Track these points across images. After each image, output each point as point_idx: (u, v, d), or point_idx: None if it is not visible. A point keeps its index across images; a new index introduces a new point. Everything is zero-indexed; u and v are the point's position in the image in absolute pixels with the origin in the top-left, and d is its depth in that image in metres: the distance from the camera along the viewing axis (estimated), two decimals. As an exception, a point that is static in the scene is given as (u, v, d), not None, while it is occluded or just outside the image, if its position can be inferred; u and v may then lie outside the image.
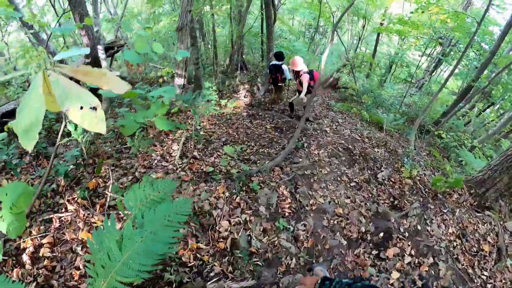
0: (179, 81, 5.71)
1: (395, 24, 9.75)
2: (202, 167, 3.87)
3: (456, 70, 13.39)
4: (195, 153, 4.15)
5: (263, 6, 7.06)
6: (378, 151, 5.76)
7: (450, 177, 4.77)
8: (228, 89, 8.02)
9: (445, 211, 4.17)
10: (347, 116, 8.21)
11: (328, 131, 6.16)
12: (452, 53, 11.41)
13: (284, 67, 6.17)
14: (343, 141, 5.73)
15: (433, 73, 13.92)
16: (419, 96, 11.99)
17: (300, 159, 4.85)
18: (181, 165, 3.72)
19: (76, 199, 2.78)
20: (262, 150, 4.92)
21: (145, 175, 3.38)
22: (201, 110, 5.10)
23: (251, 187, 3.63)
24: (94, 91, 1.37)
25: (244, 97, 7.89)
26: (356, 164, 5.10)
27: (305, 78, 5.61)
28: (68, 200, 2.76)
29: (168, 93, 2.49)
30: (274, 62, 6.23)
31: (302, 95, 5.70)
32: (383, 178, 4.78)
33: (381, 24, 12.43)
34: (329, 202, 3.86)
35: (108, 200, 2.80)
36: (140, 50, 2.43)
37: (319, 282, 1.22)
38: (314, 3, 11.32)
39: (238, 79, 8.54)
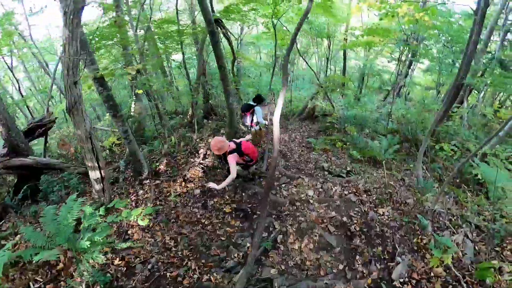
0: (94, 174, 4.12)
1: (363, 36, 8.56)
2: None
3: (424, 66, 13.00)
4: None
5: (215, 50, 5.69)
6: (383, 213, 4.09)
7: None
8: (184, 152, 6.43)
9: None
10: (333, 155, 6.66)
11: (312, 198, 4.49)
12: (421, 50, 10.35)
13: (258, 108, 5.57)
14: (334, 212, 4.05)
15: (407, 76, 12.88)
16: (402, 105, 10.58)
17: (273, 270, 3.16)
18: None
19: None
20: (209, 274, 3.22)
21: None
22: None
23: None
24: None
25: (205, 158, 6.30)
26: (357, 255, 3.41)
27: (230, 160, 3.96)
28: None
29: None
30: (251, 102, 5.76)
31: (228, 179, 3.87)
32: (401, 277, 3.09)
33: (345, 40, 11.54)
34: None
35: None
36: None
37: None
38: (272, 33, 10.17)
39: (195, 136, 7.00)
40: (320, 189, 4.78)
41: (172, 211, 4.46)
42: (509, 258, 3.21)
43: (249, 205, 4.52)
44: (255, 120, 5.75)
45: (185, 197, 4.78)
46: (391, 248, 3.46)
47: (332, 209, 4.15)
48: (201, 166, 5.83)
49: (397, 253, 3.35)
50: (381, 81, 14.47)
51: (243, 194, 4.76)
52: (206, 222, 4.19)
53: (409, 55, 11.15)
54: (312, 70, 11.46)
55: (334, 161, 6.26)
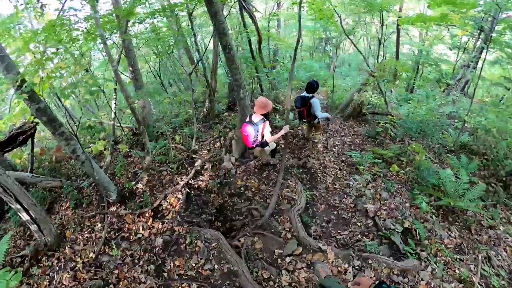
0: (23, 215, 2.97)
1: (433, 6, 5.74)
2: None
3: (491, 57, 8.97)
4: None
5: (216, 24, 3.85)
6: None
7: None
8: (174, 164, 4.98)
9: None
10: (384, 186, 4.44)
11: None
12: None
13: (314, 101, 4.59)
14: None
15: (475, 68, 9.08)
16: (474, 108, 7.17)
17: None
18: None
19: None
20: None
21: None
22: None
23: None
24: None
25: (197, 175, 4.81)
26: None
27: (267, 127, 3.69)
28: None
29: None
30: (304, 94, 4.72)
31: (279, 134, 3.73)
32: None
33: (399, 19, 8.41)
34: None
35: None
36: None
37: (375, 284, 1.23)
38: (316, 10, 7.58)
39: (193, 142, 5.46)
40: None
41: (115, 271, 3.20)
42: None
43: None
44: (311, 112, 4.64)
45: (142, 247, 3.46)
46: None
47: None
48: (187, 189, 4.41)
49: None
50: (438, 73, 10.95)
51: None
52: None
53: (479, 41, 7.78)
54: (361, 53, 8.71)
55: (386, 202, 4.18)
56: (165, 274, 3.13)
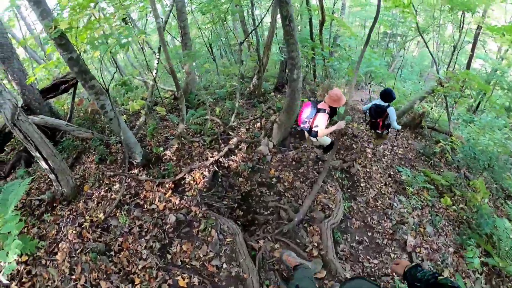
0: (42, 164, 2.78)
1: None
2: None
3: None
4: None
5: None
6: None
7: None
8: (209, 137, 4.60)
9: None
10: (430, 218, 3.66)
11: None
12: None
13: (392, 110, 3.96)
14: None
15: None
16: None
17: None
18: None
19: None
20: None
21: None
22: None
23: None
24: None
25: (230, 154, 4.40)
26: None
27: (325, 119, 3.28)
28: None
29: None
30: (378, 101, 4.10)
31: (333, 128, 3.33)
32: None
33: (479, 28, 6.70)
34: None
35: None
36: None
37: (411, 266, 1.28)
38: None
39: (233, 118, 4.96)
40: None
41: (120, 238, 2.93)
42: None
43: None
44: (386, 123, 4.15)
45: (153, 220, 3.15)
46: None
47: None
48: (215, 167, 4.00)
49: None
50: (510, 100, 8.77)
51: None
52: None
53: None
54: (433, 57, 7.27)
55: (428, 239, 3.37)
56: (169, 257, 2.79)
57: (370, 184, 4.25)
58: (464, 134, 5.82)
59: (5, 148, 4.35)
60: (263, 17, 6.42)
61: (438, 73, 7.29)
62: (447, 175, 4.62)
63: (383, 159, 4.92)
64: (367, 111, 4.29)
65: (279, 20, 4.07)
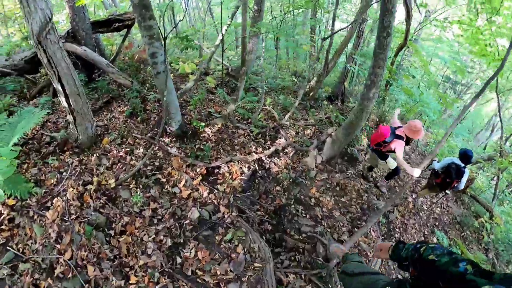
0: (62, 100, 2.20)
1: None
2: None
3: None
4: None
5: None
6: None
7: None
8: (256, 128, 3.92)
9: None
10: None
11: None
12: None
13: (467, 172, 3.62)
14: None
15: None
16: None
17: None
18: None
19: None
20: None
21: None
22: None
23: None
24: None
25: (276, 153, 3.72)
26: None
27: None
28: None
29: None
30: (456, 161, 3.68)
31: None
32: None
33: None
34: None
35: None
36: None
37: (393, 245, 1.22)
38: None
39: (286, 117, 4.27)
40: None
41: (126, 217, 2.32)
42: None
43: None
44: (456, 185, 3.79)
45: (171, 209, 2.51)
46: None
47: None
48: (256, 165, 3.33)
49: None
50: None
51: None
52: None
53: None
54: (501, 122, 6.07)
55: None
56: (179, 261, 2.16)
57: (403, 238, 3.65)
58: (505, 216, 5.17)
59: (40, 69, 3.87)
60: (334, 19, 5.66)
61: (505, 142, 6.29)
62: (479, 256, 4.13)
63: (421, 214, 4.32)
64: (440, 169, 3.79)
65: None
